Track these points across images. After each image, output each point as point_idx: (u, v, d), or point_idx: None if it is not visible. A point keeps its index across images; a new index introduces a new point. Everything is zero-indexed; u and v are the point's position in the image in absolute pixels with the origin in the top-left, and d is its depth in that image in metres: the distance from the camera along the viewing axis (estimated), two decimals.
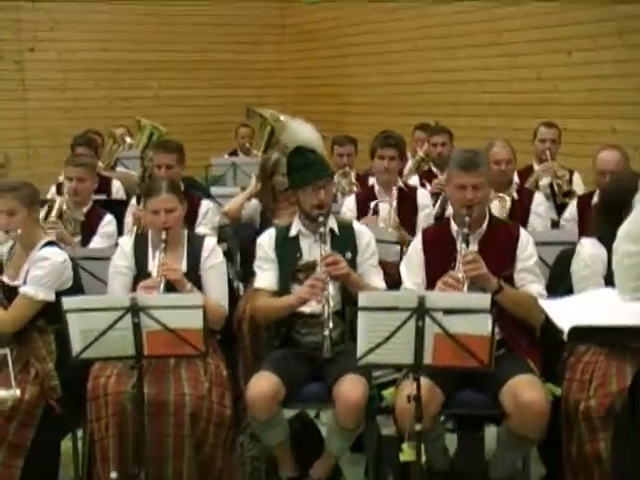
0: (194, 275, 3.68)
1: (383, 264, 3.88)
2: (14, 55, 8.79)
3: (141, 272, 3.69)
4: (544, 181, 5.49)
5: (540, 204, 4.88)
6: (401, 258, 4.03)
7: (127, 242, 3.82)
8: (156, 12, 9.46)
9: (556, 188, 5.42)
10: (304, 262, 3.68)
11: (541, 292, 3.47)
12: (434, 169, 6.00)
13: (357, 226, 3.83)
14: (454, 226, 3.57)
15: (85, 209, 4.78)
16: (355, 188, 5.60)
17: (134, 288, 3.61)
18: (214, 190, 5.89)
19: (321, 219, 3.61)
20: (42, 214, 4.35)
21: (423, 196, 4.94)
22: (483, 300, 2.85)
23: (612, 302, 2.68)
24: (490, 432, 3.59)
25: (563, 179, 5.43)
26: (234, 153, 7.94)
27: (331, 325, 3.40)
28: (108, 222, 4.71)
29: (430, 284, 3.47)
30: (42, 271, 3.54)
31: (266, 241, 3.76)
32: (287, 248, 3.72)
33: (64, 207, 4.70)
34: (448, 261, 3.41)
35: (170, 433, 3.33)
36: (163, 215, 3.65)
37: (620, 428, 3.08)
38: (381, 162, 4.89)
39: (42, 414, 3.46)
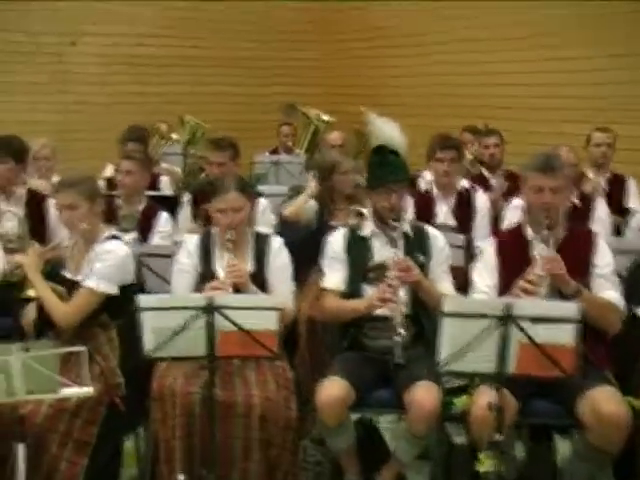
0: (260, 275, 3.63)
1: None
2: (53, 48, 8.76)
3: (206, 271, 3.64)
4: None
5: (602, 211, 4.81)
6: None
7: (192, 240, 3.76)
8: (196, 7, 9.42)
9: None
10: (375, 262, 3.61)
11: (619, 299, 3.40)
12: (485, 173, 5.93)
13: (431, 230, 3.76)
14: (529, 231, 3.50)
15: (140, 207, 4.73)
16: None
17: (198, 287, 3.57)
18: (260, 189, 5.82)
19: (393, 223, 3.54)
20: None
21: (481, 199, 4.87)
22: (572, 309, 2.79)
23: None
24: (559, 442, 3.52)
25: None
26: (275, 151, 7.87)
27: (403, 331, 3.33)
28: (166, 221, 4.65)
29: (503, 288, 3.40)
30: (104, 264, 3.50)
31: (338, 240, 3.70)
32: (359, 248, 3.66)
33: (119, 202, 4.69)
34: (521, 266, 3.34)
35: (239, 436, 3.27)
36: (230, 214, 3.59)
37: None
38: (441, 165, 4.80)
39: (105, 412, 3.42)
